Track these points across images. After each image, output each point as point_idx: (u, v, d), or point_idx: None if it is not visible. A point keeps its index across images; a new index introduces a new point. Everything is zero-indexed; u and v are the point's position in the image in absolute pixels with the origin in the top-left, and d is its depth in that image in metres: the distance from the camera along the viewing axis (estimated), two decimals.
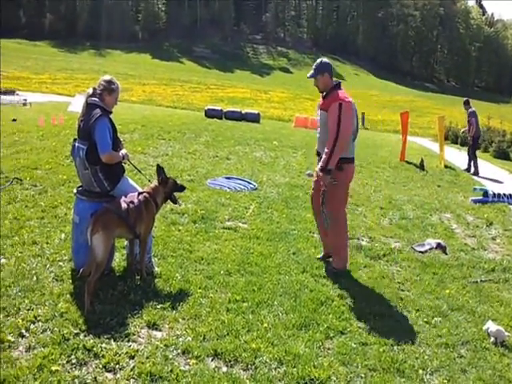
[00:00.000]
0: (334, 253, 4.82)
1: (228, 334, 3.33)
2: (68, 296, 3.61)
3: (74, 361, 2.88)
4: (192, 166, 9.35)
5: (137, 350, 3.05)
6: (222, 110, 22.54)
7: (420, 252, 5.64)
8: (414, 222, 6.90)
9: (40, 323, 3.23)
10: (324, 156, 4.45)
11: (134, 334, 3.23)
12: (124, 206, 3.81)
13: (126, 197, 3.93)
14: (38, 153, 9.12)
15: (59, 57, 79.56)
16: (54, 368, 2.75)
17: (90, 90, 4.06)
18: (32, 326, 3.18)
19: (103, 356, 2.95)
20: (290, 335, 3.40)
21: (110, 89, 4.00)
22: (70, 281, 3.89)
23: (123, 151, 4.11)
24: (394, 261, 5.25)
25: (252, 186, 8.10)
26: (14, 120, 13.77)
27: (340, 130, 4.34)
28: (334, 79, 4.66)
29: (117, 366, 2.89)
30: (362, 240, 5.83)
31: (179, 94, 42.05)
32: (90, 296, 3.45)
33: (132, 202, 3.88)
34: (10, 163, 7.98)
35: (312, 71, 4.65)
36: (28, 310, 3.37)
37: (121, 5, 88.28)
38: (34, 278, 3.85)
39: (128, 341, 3.15)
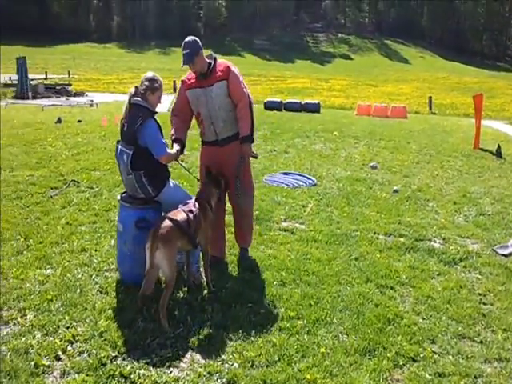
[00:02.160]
0: (247, 232, 4.45)
1: (279, 359, 2.93)
2: (110, 312, 3.38)
3: None
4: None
5: (177, 379, 2.74)
6: (281, 102, 22.10)
7: (503, 255, 4.89)
8: (494, 219, 6.09)
9: (78, 344, 3.02)
10: (244, 124, 4.02)
11: (176, 359, 2.92)
12: (183, 215, 3.49)
13: (183, 205, 3.66)
14: (99, 153, 9.23)
15: (126, 57, 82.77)
16: None
17: (133, 90, 3.81)
18: (69, 348, 2.97)
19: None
20: (351, 363, 2.93)
21: (153, 87, 3.73)
22: (114, 293, 3.68)
23: (176, 147, 3.86)
24: (472, 267, 4.58)
25: (311, 181, 7.62)
26: (79, 121, 14.22)
27: (248, 91, 4.07)
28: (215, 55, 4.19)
29: None
30: (435, 242, 5.18)
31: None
32: (164, 316, 3.22)
33: (191, 211, 3.57)
34: (70, 165, 8.10)
35: (185, 58, 3.94)
36: (67, 327, 3.18)
37: (183, 2, 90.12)
38: (78, 290, 3.67)
39: (169, 366, 2.85)
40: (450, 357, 3.08)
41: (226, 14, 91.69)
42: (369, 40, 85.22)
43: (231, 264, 4.32)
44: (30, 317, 3.30)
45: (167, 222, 3.37)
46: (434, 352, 3.13)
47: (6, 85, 29.64)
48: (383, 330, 3.31)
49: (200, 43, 4.05)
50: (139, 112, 3.63)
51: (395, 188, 7.31)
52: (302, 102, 22.30)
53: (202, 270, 3.95)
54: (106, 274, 4.00)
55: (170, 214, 3.49)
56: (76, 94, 31.77)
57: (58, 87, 32.74)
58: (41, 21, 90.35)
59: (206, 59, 4.09)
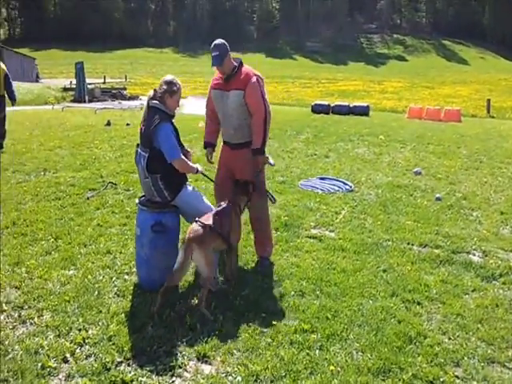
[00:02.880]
0: (264, 241, 4.39)
1: (286, 375, 2.80)
2: (122, 316, 3.38)
3: None
4: (287, 166, 8.90)
5: None
6: (329, 105, 21.78)
7: None
8: None
9: (87, 347, 3.04)
10: (256, 137, 4.05)
11: (180, 367, 2.86)
12: (216, 218, 3.59)
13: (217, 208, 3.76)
14: None
15: (181, 61, 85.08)
16: None
17: (151, 93, 3.82)
18: (78, 351, 2.99)
19: None
20: (362, 383, 2.75)
21: (171, 91, 3.71)
22: (130, 297, 3.69)
23: (198, 167, 3.84)
24: None
25: (348, 187, 7.38)
26: (128, 124, 14.67)
27: (267, 104, 4.02)
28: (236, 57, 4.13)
29: None
30: (474, 255, 4.82)
31: (290, 91, 42.00)
32: (203, 309, 3.38)
33: (223, 213, 3.66)
34: (111, 167, 8.33)
35: (214, 60, 3.94)
36: (79, 330, 3.21)
37: (237, 7, 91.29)
38: (96, 292, 3.71)
39: (172, 375, 2.80)
40: (475, 383, 2.82)
41: (279, 17, 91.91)
42: (426, 41, 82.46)
43: (251, 271, 4.22)
44: (47, 317, 3.36)
45: (200, 226, 3.47)
46: (457, 376, 2.87)
47: (65, 89, 31.30)
48: (402, 349, 3.08)
49: (228, 46, 4.07)
50: (156, 115, 3.63)
51: (438, 195, 6.92)
52: (351, 105, 21.85)
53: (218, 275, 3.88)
54: (126, 277, 4.02)
55: (202, 218, 3.56)
56: (130, 98, 32.96)
57: (113, 91, 34.10)
58: (102, 27, 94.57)
59: (232, 62, 4.09)
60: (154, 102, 3.70)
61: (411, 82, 47.71)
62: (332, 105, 21.98)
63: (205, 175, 4.19)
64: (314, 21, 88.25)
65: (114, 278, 3.99)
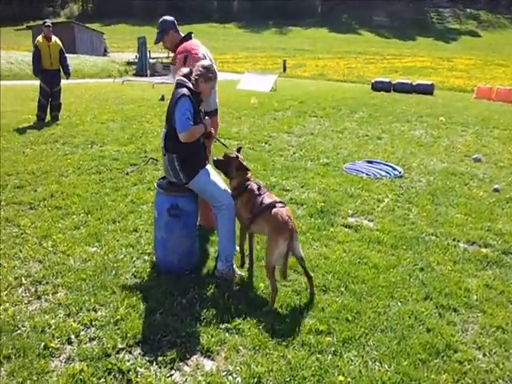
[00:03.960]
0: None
1: (290, 380, 2.58)
2: (134, 299, 3.29)
3: None
4: (334, 147, 8.49)
5: None
6: (390, 82, 20.69)
7: None
8: None
9: (92, 329, 2.98)
10: None
11: (181, 360, 2.73)
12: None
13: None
14: None
15: (244, 37, 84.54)
16: None
17: (186, 70, 3.63)
18: (83, 333, 2.94)
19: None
20: None
21: (206, 77, 3.53)
22: (146, 279, 3.59)
23: (207, 120, 3.61)
24: None
25: (397, 172, 6.90)
26: None
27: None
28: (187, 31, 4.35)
29: None
30: None
31: (351, 67, 40.53)
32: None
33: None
34: (156, 142, 8.29)
35: (156, 37, 4.33)
36: (89, 310, 3.16)
37: None
38: (114, 272, 3.66)
39: (171, 368, 2.67)
40: None
41: None
42: (502, 15, 76.10)
43: None
44: (61, 294, 3.35)
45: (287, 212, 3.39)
46: None
47: (129, 63, 31.98)
48: (427, 362, 2.76)
49: (172, 23, 4.33)
50: (179, 89, 3.45)
51: (496, 186, 6.29)
52: (414, 83, 20.60)
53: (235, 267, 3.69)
54: (146, 257, 3.93)
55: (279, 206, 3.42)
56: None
57: None
58: (169, 2, 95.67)
59: (176, 38, 4.31)
60: (181, 77, 3.52)
61: (484, 60, 44.36)
62: (394, 82, 20.85)
63: (218, 139, 4.04)
64: None
65: (134, 258, 3.92)
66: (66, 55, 9.80)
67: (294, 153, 7.98)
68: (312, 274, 3.48)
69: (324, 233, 4.63)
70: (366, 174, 6.75)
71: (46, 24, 9.29)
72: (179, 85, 3.52)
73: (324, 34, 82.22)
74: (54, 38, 9.43)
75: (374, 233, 4.66)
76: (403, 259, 4.10)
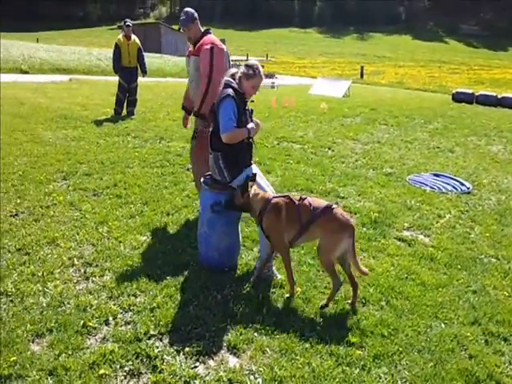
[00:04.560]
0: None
1: None
2: (172, 289, 3.38)
3: (128, 368, 2.61)
4: (400, 157, 8.18)
5: (195, 376, 2.58)
6: (473, 94, 19.55)
7: None
8: None
9: (129, 313, 3.11)
10: (197, 99, 4.37)
11: (207, 354, 2.76)
12: None
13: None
14: None
15: (323, 42, 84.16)
16: (102, 371, 2.54)
17: (234, 70, 3.70)
18: (120, 316, 3.08)
19: (160, 371, 2.60)
20: None
21: (247, 74, 3.55)
22: (187, 271, 3.68)
23: (250, 124, 3.59)
24: None
25: (464, 188, 6.50)
26: (252, 101, 14.88)
27: (213, 73, 4.18)
28: (205, 27, 4.59)
29: None
30: None
31: (434, 76, 38.89)
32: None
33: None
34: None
35: (182, 21, 4.51)
36: (129, 295, 3.30)
37: None
38: (159, 261, 3.79)
39: (197, 360, 2.71)
40: None
41: None
42: None
43: (317, 267, 3.91)
44: (107, 278, 3.53)
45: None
46: None
47: None
48: None
49: (197, 16, 4.57)
50: (225, 90, 3.51)
51: None
52: (499, 96, 19.29)
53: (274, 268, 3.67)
54: (191, 250, 4.03)
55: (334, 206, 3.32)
56: (266, 76, 33.58)
57: None
58: (252, 6, 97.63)
59: (199, 30, 4.57)
60: (227, 78, 3.58)
61: None
62: (477, 94, 19.66)
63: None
64: (472, 1, 79.53)
65: (180, 250, 4.03)
66: (144, 54, 10.32)
67: (356, 160, 7.80)
68: (358, 284, 3.37)
69: (374, 244, 4.48)
70: (431, 188, 6.43)
71: (127, 23, 9.84)
72: (226, 85, 3.58)
73: (407, 41, 79.56)
74: (134, 37, 9.97)
75: (428, 249, 4.42)
76: (455, 279, 3.85)
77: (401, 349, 2.89)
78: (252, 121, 3.70)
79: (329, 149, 8.52)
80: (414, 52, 63.73)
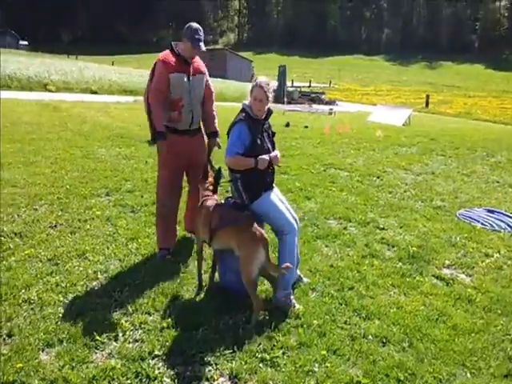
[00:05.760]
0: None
1: None
2: (187, 310, 3.35)
3: None
4: (454, 190, 7.75)
5: None
6: None
7: None
8: None
9: (139, 331, 3.11)
10: (215, 120, 4.40)
11: (207, 380, 2.69)
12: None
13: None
14: (300, 158, 9.41)
15: (389, 70, 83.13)
16: None
17: None
18: (129, 333, 3.08)
19: None
20: None
21: (250, 90, 3.53)
22: (205, 292, 3.64)
23: (262, 156, 3.49)
24: None
25: None
26: (306, 127, 14.91)
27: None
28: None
29: None
30: None
31: (505, 108, 37.01)
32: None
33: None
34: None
35: (203, 43, 4.09)
36: (143, 313, 3.31)
37: (457, 14, 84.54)
38: (178, 281, 3.79)
39: None
40: None
41: (508, 25, 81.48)
42: None
43: (341, 299, 3.72)
44: (125, 294, 3.57)
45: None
46: None
47: None
48: None
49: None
50: (239, 114, 3.52)
51: None
52: None
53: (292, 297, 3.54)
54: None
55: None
56: (328, 103, 33.63)
57: (312, 95, 35.26)
58: (317, 33, 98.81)
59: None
60: (245, 101, 3.57)
61: None
62: None
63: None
64: None
65: (203, 271, 4.01)
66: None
67: (404, 191, 7.48)
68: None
69: (408, 280, 4.21)
70: (482, 224, 6.00)
71: None
72: (242, 109, 3.57)
73: (479, 71, 76.71)
74: None
75: (467, 290, 4.09)
76: (493, 325, 3.52)
77: None
78: (272, 144, 3.66)
79: (377, 178, 8.26)
80: (486, 82, 61.25)
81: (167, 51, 4.12)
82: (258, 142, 3.50)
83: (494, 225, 6.03)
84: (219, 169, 3.91)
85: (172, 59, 4.03)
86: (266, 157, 3.48)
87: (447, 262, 4.69)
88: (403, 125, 18.59)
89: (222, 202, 3.78)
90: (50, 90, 20.07)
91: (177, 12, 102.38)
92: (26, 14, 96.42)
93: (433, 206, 6.73)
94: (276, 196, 3.66)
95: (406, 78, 69.43)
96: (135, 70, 34.10)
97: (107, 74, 27.12)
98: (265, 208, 3.53)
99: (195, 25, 4.02)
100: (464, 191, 7.80)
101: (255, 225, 3.28)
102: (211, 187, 3.82)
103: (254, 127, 3.50)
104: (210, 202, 3.62)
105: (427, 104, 35.40)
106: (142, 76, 28.44)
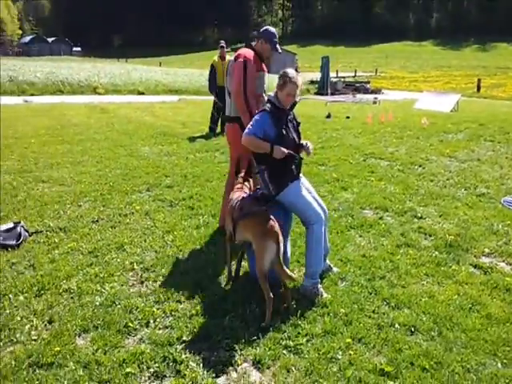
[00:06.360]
0: None
1: None
2: (215, 298, 3.46)
3: (153, 369, 2.72)
4: (500, 177, 7.42)
5: None
6: None
7: None
8: None
9: (170, 318, 3.23)
10: None
11: (231, 365, 2.77)
12: None
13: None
14: (340, 150, 9.30)
15: (439, 55, 79.86)
16: (128, 370, 2.69)
17: None
18: (160, 319, 3.22)
19: (182, 376, 2.67)
20: None
21: (279, 85, 3.55)
22: (234, 282, 3.73)
23: (279, 149, 3.48)
24: None
25: None
26: (348, 117, 14.67)
27: None
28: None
29: None
30: None
31: None
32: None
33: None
34: (314, 157, 8.40)
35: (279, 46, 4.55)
36: (174, 301, 3.44)
37: None
38: (210, 270, 3.90)
39: (220, 370, 2.72)
40: None
41: None
42: None
43: (371, 289, 3.69)
44: (158, 283, 3.73)
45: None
46: None
47: (312, 82, 33.23)
48: None
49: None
50: (265, 104, 3.55)
51: None
52: None
53: (316, 285, 3.55)
54: (244, 262, 4.06)
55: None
56: (373, 92, 32.80)
57: (356, 84, 34.50)
58: (363, 22, 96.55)
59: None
60: (269, 93, 3.61)
61: None
62: None
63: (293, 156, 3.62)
64: None
65: (233, 263, 4.10)
66: None
67: (447, 179, 7.24)
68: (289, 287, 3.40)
69: (443, 269, 4.11)
70: None
71: (221, 45, 10.37)
72: (267, 100, 3.61)
73: None
74: (228, 58, 10.45)
75: (505, 279, 3.93)
76: None
77: None
78: (298, 134, 3.68)
79: (419, 166, 8.03)
80: None
81: (247, 50, 4.49)
82: (284, 132, 3.53)
83: None
84: (250, 160, 3.97)
85: (256, 58, 4.44)
86: (284, 149, 3.49)
87: (487, 251, 4.53)
88: (451, 111, 17.84)
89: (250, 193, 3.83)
90: (98, 93, 20.94)
91: (221, 10, 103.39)
92: (79, 21, 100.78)
93: (476, 193, 6.48)
94: (303, 186, 3.68)
95: (456, 62, 66.43)
96: (181, 70, 34.82)
97: (154, 74, 27.90)
98: (291, 198, 3.56)
99: (272, 29, 4.57)
100: (511, 177, 7.44)
101: (270, 219, 3.30)
102: (242, 179, 3.89)
103: (280, 118, 3.54)
104: (238, 194, 3.70)
105: (478, 88, 33.66)
106: (186, 75, 29.03)
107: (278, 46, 4.49)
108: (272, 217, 3.32)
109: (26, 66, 24.35)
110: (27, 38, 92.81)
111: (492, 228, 5.08)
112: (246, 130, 3.49)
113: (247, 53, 4.39)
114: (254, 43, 4.54)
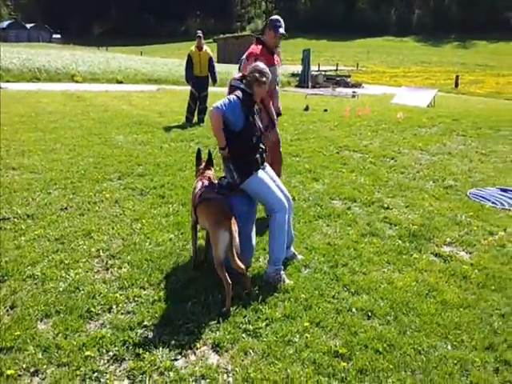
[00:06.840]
0: None
1: None
2: (178, 284, 3.50)
3: (113, 353, 2.76)
4: (469, 170, 7.61)
5: (171, 368, 2.65)
6: None
7: None
8: None
9: (132, 304, 3.27)
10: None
11: (190, 349, 2.83)
12: None
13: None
14: (315, 141, 9.37)
15: (420, 51, 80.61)
16: (88, 353, 2.72)
17: (238, 75, 3.75)
18: (123, 305, 3.25)
19: (141, 359, 2.71)
20: None
21: (260, 81, 3.56)
22: (200, 269, 3.78)
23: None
24: None
25: None
26: (325, 110, 14.77)
27: None
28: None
29: (140, 375, 2.60)
30: None
31: None
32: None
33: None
34: (290, 148, 8.45)
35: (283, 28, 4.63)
36: (138, 287, 3.47)
37: None
38: (175, 258, 3.94)
39: (179, 353, 2.78)
40: None
41: None
42: None
43: (327, 276, 3.79)
44: (124, 270, 3.75)
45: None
46: None
47: (293, 74, 33.25)
48: None
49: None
50: (235, 91, 3.57)
51: None
52: None
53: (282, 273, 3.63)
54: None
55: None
56: (353, 86, 33.02)
57: (337, 78, 34.67)
58: (345, 16, 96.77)
59: None
60: (237, 81, 3.62)
61: None
62: None
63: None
64: None
65: (200, 249, 4.14)
66: (215, 64, 10.73)
67: (417, 171, 7.39)
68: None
69: (404, 257, 4.23)
70: (493, 203, 5.90)
71: (198, 35, 10.32)
72: (234, 87, 3.63)
73: None
74: (205, 48, 10.42)
75: (463, 266, 4.07)
76: (484, 301, 3.51)
77: (391, 366, 2.71)
78: (261, 121, 3.73)
79: (391, 159, 8.18)
80: None
81: (256, 46, 4.66)
82: (251, 119, 3.57)
83: (505, 203, 5.91)
84: (209, 152, 4.02)
85: (264, 52, 4.60)
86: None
87: (448, 240, 4.67)
88: (427, 106, 18.14)
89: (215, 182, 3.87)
90: (76, 81, 20.58)
91: (204, 1, 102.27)
92: (60, 7, 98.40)
93: (444, 185, 6.65)
94: (267, 175, 3.73)
95: (436, 58, 67.25)
96: (160, 59, 34.47)
97: (133, 63, 27.55)
98: (255, 187, 3.60)
99: (275, 16, 4.73)
100: (479, 171, 7.64)
101: (224, 207, 3.36)
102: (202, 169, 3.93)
103: (250, 107, 3.57)
104: (200, 183, 3.73)
105: (456, 85, 34.27)
106: (166, 65, 28.75)
107: (280, 29, 4.60)
108: (226, 205, 3.37)
109: (3, 51, 23.76)
110: (5, 24, 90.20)
111: (455, 219, 5.23)
112: (218, 105, 3.44)
113: (256, 49, 4.61)
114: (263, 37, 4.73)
